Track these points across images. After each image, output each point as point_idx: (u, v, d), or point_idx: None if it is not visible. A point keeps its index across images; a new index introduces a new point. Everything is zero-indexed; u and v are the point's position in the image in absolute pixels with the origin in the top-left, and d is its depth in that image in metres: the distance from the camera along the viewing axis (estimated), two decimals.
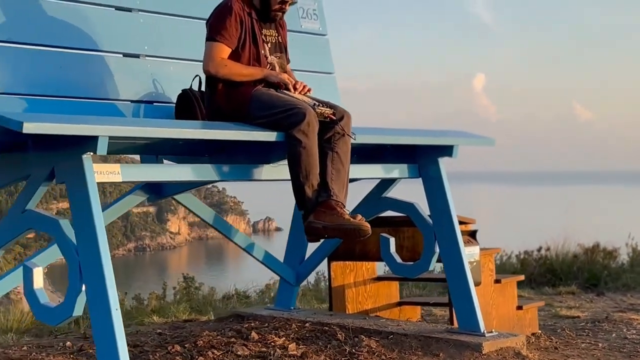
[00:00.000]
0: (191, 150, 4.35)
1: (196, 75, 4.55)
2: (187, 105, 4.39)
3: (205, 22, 4.28)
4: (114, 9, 4.56)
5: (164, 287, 8.22)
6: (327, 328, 4.75)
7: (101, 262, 3.25)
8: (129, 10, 4.60)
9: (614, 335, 5.38)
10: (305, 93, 4.07)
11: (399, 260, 4.80)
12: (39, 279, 3.42)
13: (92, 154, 3.32)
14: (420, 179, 4.75)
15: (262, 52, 4.11)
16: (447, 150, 4.64)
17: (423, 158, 4.71)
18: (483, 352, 4.28)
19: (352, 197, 4.15)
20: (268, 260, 5.22)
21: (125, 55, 4.52)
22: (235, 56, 4.06)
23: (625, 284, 9.40)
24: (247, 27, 4.07)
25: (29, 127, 3.04)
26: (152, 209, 79.59)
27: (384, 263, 5.07)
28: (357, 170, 4.38)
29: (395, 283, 5.86)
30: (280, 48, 4.23)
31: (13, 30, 4.11)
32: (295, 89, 4.05)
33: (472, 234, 5.10)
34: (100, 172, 3.39)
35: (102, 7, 4.50)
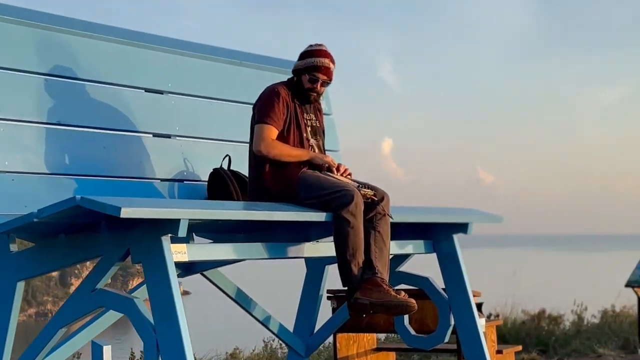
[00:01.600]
0: (229, 228, 4.54)
1: (226, 155, 4.77)
2: (221, 184, 4.59)
3: (252, 106, 4.48)
4: (144, 91, 4.74)
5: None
6: None
7: (182, 342, 3.38)
8: (161, 92, 4.80)
9: None
10: (347, 175, 4.32)
11: (413, 332, 5.03)
12: (108, 357, 3.55)
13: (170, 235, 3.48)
14: (434, 254, 5.01)
15: (305, 135, 4.36)
16: (462, 228, 4.92)
17: (438, 235, 4.97)
18: None
19: None
20: (282, 333, 5.38)
21: (159, 135, 4.71)
22: (280, 138, 4.29)
23: (576, 349, 9.79)
24: (291, 111, 4.32)
25: (127, 212, 3.21)
26: (54, 273, 77.63)
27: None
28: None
29: (393, 353, 6.09)
30: (318, 132, 4.48)
31: (60, 113, 4.28)
32: (338, 170, 4.30)
33: (479, 307, 5.37)
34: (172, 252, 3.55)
35: (136, 90, 4.70)
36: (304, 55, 4.40)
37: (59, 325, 3.76)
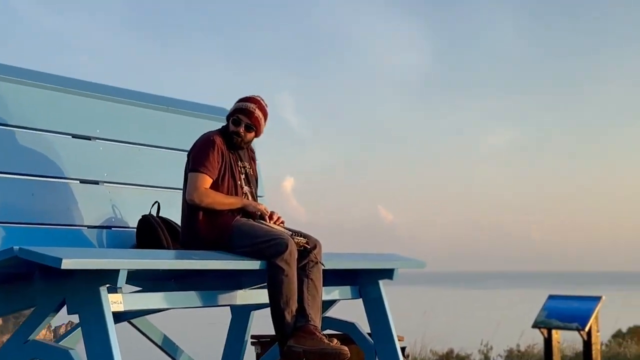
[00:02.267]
0: (160, 276, 4.52)
1: (155, 202, 4.76)
2: (150, 231, 4.57)
3: (186, 153, 4.50)
4: (72, 137, 4.71)
5: None
6: None
7: None
8: (89, 138, 4.77)
9: None
10: (280, 223, 4.37)
11: None
12: None
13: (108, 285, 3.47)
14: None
15: (239, 182, 4.40)
16: (388, 273, 5.02)
17: (364, 280, 5.05)
18: None
19: None
20: None
21: (86, 182, 4.67)
22: (215, 186, 4.32)
23: None
24: (226, 159, 4.36)
25: (68, 263, 3.19)
26: None
27: None
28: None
29: None
30: (252, 179, 4.53)
31: None
32: (270, 218, 4.35)
33: (402, 351, 5.46)
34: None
35: (63, 136, 4.66)
36: (236, 102, 4.46)
37: None
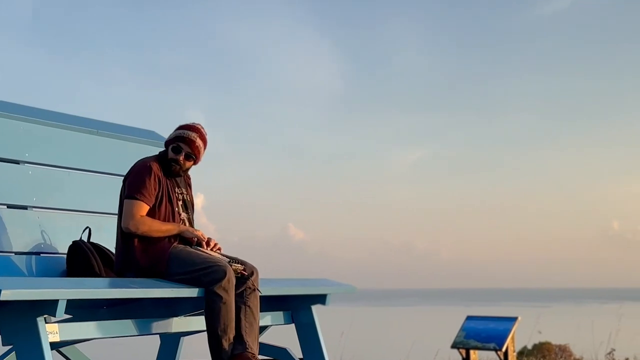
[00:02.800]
0: (91, 304, 4.43)
1: (86, 227, 4.68)
2: (81, 257, 4.49)
3: (116, 176, 4.45)
4: (2, 162, 4.60)
5: None
6: None
7: None
8: (17, 162, 4.67)
9: None
10: (217, 250, 4.34)
11: None
12: None
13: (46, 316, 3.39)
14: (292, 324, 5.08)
15: (176, 209, 4.36)
16: (320, 299, 5.03)
17: (296, 305, 5.05)
18: None
19: None
20: None
21: (15, 207, 4.56)
22: (152, 212, 4.27)
23: None
24: (163, 186, 4.31)
25: (7, 295, 3.11)
26: None
27: None
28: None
29: None
30: (189, 205, 4.49)
31: None
32: (207, 245, 4.32)
33: None
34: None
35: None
36: (175, 130, 4.43)
37: None
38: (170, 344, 5.35)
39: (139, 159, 4.46)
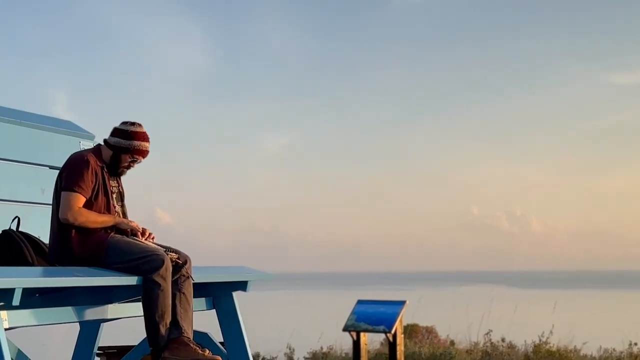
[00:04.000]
0: (25, 292, 4.54)
1: (16, 217, 4.77)
2: (13, 247, 4.58)
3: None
4: None
5: None
6: None
7: None
8: None
9: None
10: (151, 239, 4.53)
11: None
12: None
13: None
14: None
15: (111, 201, 4.52)
16: (241, 285, 5.27)
17: (218, 292, 5.28)
18: None
19: None
20: None
21: None
22: (88, 205, 4.42)
23: None
24: (99, 179, 4.47)
25: None
26: None
27: None
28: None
29: None
30: (122, 197, 4.66)
31: None
32: (142, 235, 4.50)
33: None
34: None
35: None
36: (128, 135, 4.55)
37: None
38: (89, 330, 5.49)
39: (73, 152, 4.60)
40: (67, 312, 4.19)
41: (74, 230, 4.39)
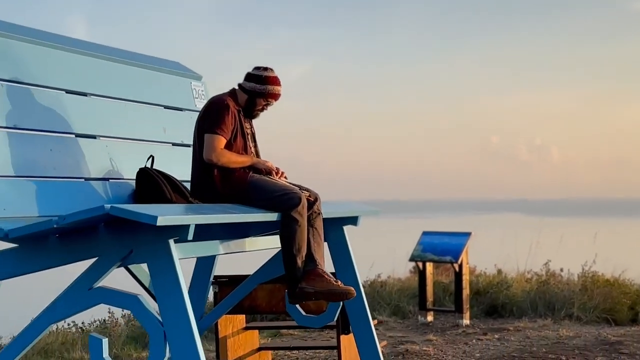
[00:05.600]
0: None
1: (150, 156, 5.11)
2: (151, 184, 4.91)
3: (199, 114, 4.90)
4: (65, 92, 4.95)
5: None
6: None
7: (192, 331, 3.80)
8: (85, 94, 5.04)
9: None
10: (283, 178, 4.87)
11: (303, 313, 5.67)
12: (106, 349, 3.89)
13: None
14: None
15: (248, 142, 4.84)
16: (352, 220, 5.60)
17: (330, 227, 5.60)
18: None
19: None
20: None
21: (84, 136, 4.93)
22: (227, 146, 4.75)
23: None
24: (237, 122, 4.79)
25: (162, 220, 3.59)
26: None
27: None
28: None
29: (256, 332, 6.68)
30: (255, 138, 4.98)
31: (14, 117, 4.45)
32: (277, 174, 4.83)
33: None
34: None
35: (58, 91, 4.89)
36: (262, 80, 4.86)
37: (50, 321, 4.01)
38: (205, 262, 5.88)
39: (213, 96, 4.92)
40: (214, 245, 4.56)
41: (216, 170, 4.72)
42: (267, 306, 6.09)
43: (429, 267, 9.90)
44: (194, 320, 3.84)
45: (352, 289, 4.70)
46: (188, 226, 3.82)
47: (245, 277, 5.90)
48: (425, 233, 10.20)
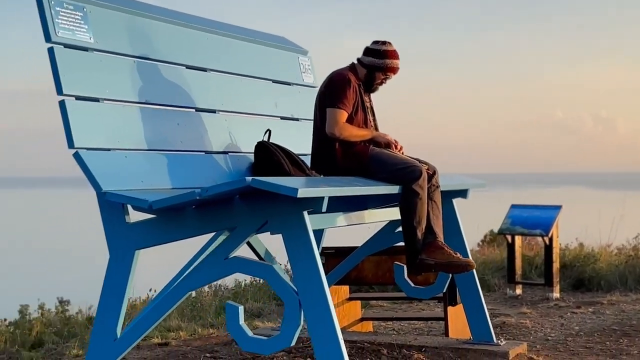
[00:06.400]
0: None
1: (268, 130, 5.22)
2: (272, 157, 5.02)
3: (320, 88, 5.01)
4: (185, 67, 5.09)
5: None
6: (359, 345, 5.60)
7: (327, 299, 3.92)
8: (204, 70, 5.18)
9: None
10: (401, 152, 4.95)
11: (412, 284, 5.76)
12: (242, 316, 4.02)
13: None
14: None
15: (368, 116, 4.94)
16: (462, 193, 5.67)
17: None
18: (510, 359, 5.36)
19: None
20: None
21: (204, 110, 5.07)
22: (348, 120, 4.85)
23: None
24: (357, 96, 4.88)
25: (302, 192, 3.71)
26: None
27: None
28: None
29: (359, 302, 6.80)
30: (374, 112, 5.07)
31: (146, 93, 4.61)
32: (395, 147, 4.92)
33: None
34: None
35: (180, 67, 5.03)
36: (380, 54, 4.94)
37: (188, 288, 4.16)
38: (315, 234, 5.98)
39: (333, 71, 5.00)
40: (337, 217, 4.67)
41: (337, 144, 4.83)
42: (374, 277, 6.20)
43: (518, 240, 9.89)
44: (328, 289, 3.95)
45: (472, 261, 4.77)
46: (321, 198, 3.92)
47: (350, 248, 6.02)
48: (513, 206, 10.19)
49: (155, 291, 9.20)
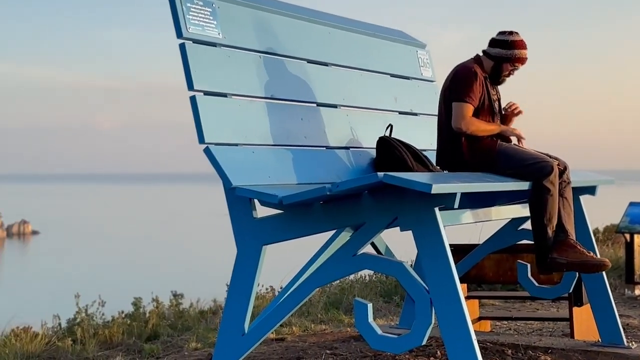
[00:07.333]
0: None
1: (389, 125, 5.14)
2: (394, 152, 4.94)
3: (445, 82, 4.89)
4: (306, 62, 5.04)
5: None
6: (482, 345, 5.46)
7: (459, 297, 3.81)
8: (326, 64, 5.13)
9: None
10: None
11: (536, 284, 5.60)
12: (371, 314, 3.94)
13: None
14: None
15: (495, 109, 4.81)
16: (590, 190, 5.47)
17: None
18: None
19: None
20: None
21: (325, 105, 5.02)
22: (475, 114, 4.72)
23: None
24: (484, 89, 4.75)
25: (436, 188, 3.61)
26: None
27: None
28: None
29: (477, 301, 6.66)
30: (501, 105, 4.93)
31: (272, 88, 4.58)
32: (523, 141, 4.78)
33: None
34: None
35: (301, 61, 4.99)
36: (508, 45, 4.80)
37: (316, 284, 4.11)
38: None
39: (458, 64, 4.88)
40: (465, 214, 4.56)
41: (463, 138, 4.71)
42: (495, 276, 6.06)
43: (637, 239, 9.57)
44: (460, 287, 3.85)
45: (607, 260, 4.59)
46: (453, 195, 3.82)
47: (467, 245, 5.88)
48: (632, 204, 9.86)
49: (263, 286, 9.27)
